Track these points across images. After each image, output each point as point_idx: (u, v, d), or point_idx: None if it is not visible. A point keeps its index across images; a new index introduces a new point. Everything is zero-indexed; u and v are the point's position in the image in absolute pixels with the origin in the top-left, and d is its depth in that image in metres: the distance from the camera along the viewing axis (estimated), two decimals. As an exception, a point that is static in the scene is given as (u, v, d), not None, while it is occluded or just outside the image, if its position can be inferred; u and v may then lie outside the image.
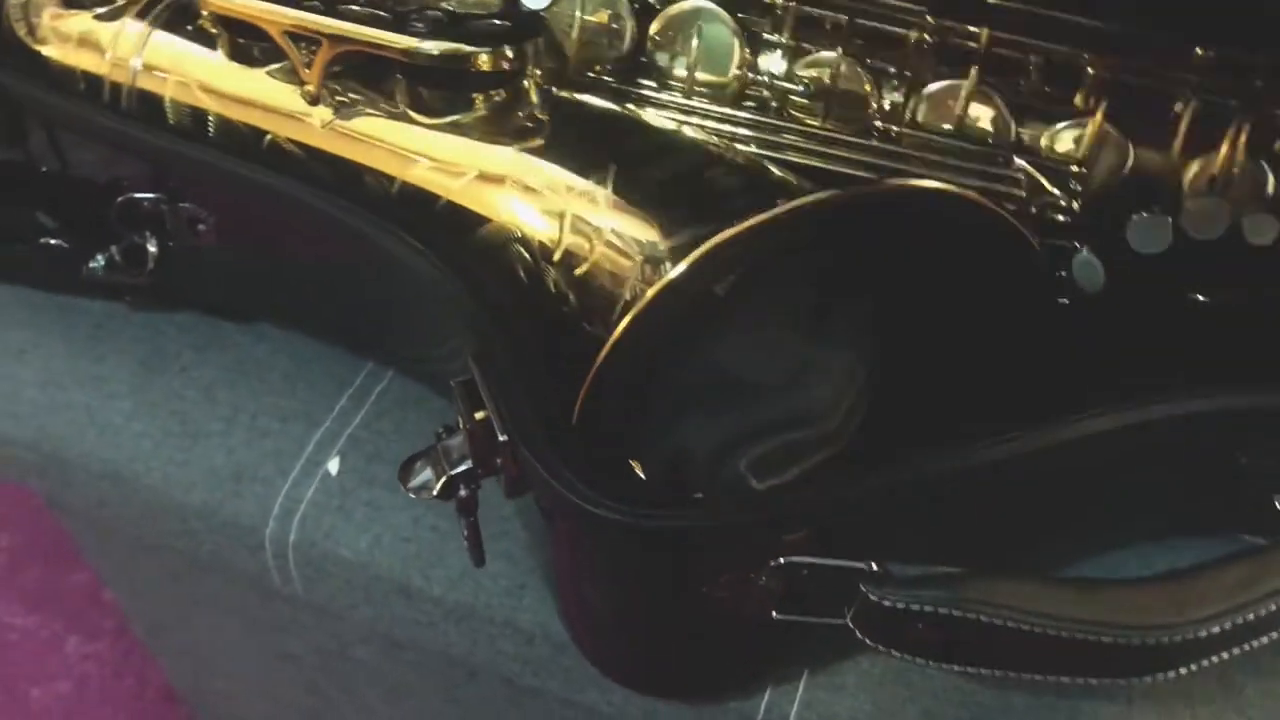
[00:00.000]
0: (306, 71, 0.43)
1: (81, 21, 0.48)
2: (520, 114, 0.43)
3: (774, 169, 0.41)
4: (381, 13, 0.42)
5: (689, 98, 0.45)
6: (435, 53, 0.41)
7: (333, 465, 0.47)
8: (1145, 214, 0.43)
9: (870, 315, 0.37)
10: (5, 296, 0.53)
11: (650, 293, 0.34)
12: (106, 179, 0.48)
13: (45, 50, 0.48)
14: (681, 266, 0.34)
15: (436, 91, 0.43)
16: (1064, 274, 0.44)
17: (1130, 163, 0.43)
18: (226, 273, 0.48)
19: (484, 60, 0.41)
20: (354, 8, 0.42)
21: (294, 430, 0.48)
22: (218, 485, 0.48)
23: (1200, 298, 0.43)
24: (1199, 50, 0.43)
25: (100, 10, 0.47)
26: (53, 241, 0.50)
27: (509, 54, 0.42)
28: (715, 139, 0.43)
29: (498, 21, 0.43)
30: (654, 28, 0.47)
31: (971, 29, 0.44)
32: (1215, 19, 0.43)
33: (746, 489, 0.34)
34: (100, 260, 0.48)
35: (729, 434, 0.35)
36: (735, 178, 0.39)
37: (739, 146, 0.44)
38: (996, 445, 0.35)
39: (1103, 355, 0.40)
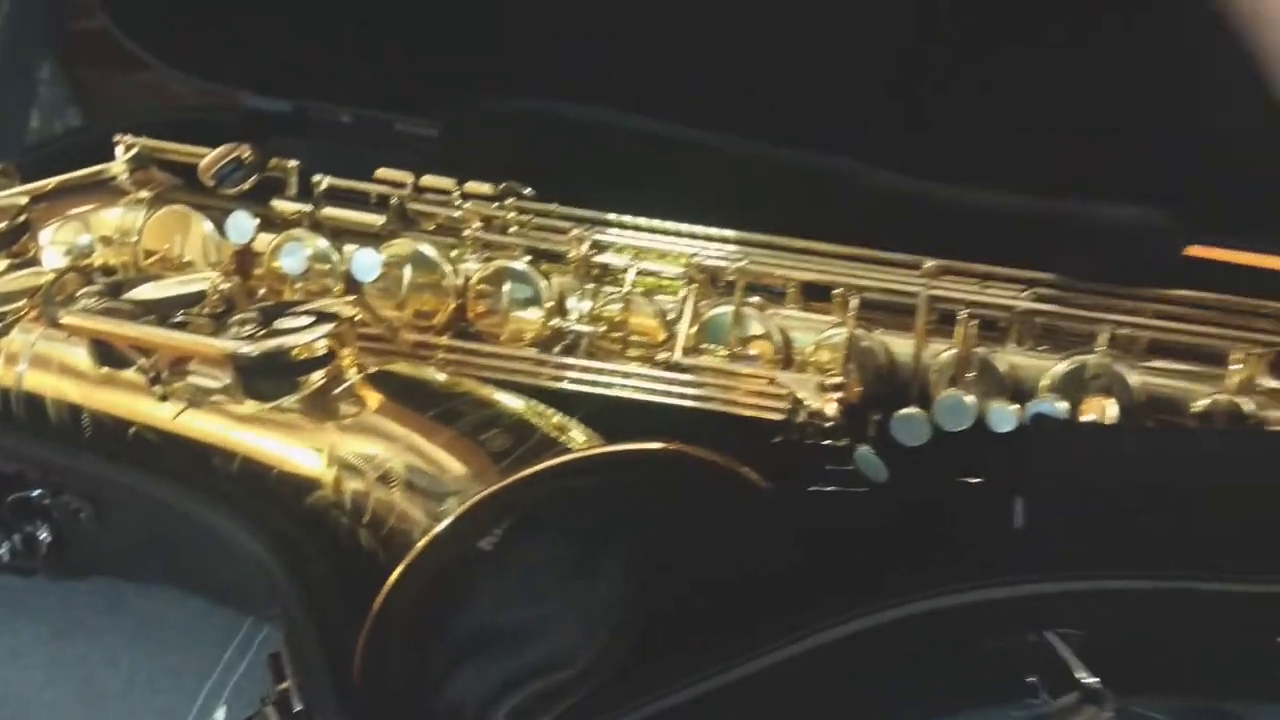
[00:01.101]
0: (154, 373, 0.49)
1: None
2: (339, 389, 0.48)
3: (576, 426, 0.46)
4: (206, 317, 0.48)
5: (503, 344, 0.52)
6: (255, 355, 0.47)
7: (219, 717, 0.52)
8: (904, 411, 0.47)
9: (628, 551, 0.41)
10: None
11: (415, 549, 0.39)
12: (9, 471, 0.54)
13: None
14: (444, 523, 0.39)
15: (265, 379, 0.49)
16: (850, 468, 0.48)
17: (885, 364, 0.48)
18: (114, 546, 0.54)
19: (300, 352, 0.47)
20: (185, 316, 0.49)
21: (186, 685, 0.53)
22: (121, 746, 0.52)
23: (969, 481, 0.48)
24: (927, 261, 0.48)
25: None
26: (-37, 532, 0.56)
27: (324, 343, 0.48)
28: (512, 390, 0.49)
29: (313, 315, 0.48)
30: (472, 282, 0.53)
31: (728, 265, 0.50)
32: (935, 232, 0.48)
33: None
34: (3, 549, 0.54)
35: (493, 683, 0.39)
36: (508, 438, 0.44)
37: (550, 384, 0.50)
38: (751, 659, 0.39)
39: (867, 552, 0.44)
